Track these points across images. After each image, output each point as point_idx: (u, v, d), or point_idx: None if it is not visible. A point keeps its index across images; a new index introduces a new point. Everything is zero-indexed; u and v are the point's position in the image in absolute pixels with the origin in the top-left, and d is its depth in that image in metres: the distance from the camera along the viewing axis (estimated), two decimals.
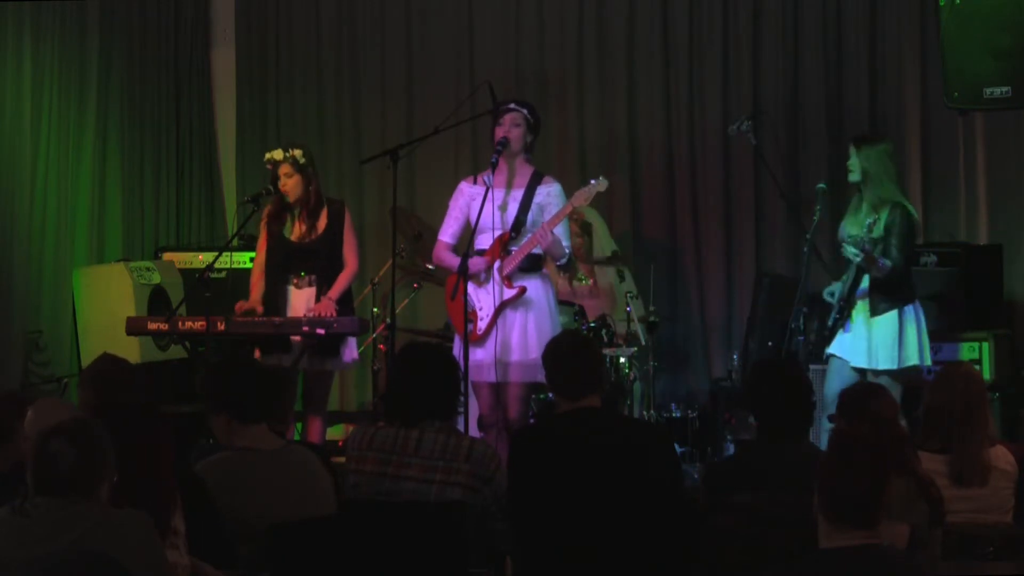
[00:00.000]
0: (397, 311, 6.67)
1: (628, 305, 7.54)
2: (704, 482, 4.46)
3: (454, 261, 5.99)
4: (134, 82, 8.61)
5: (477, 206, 5.92)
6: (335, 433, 7.91)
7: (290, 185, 6.41)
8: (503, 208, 5.99)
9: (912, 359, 6.04)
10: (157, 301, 7.71)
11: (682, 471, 5.28)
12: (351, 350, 6.49)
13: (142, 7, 8.68)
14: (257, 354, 6.42)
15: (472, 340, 5.87)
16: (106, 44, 8.41)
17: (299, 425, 6.63)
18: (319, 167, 6.75)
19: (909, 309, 6.09)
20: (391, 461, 4.21)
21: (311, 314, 6.30)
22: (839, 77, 8.60)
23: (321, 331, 6.16)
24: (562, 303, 7.05)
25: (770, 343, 7.61)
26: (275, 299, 6.45)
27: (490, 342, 5.91)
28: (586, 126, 8.82)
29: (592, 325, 7.31)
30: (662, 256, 8.51)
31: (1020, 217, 8.16)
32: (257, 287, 6.50)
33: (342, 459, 4.49)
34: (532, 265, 6.03)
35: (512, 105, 6.08)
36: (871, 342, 6.06)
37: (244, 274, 7.45)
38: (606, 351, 7.09)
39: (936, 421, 4.51)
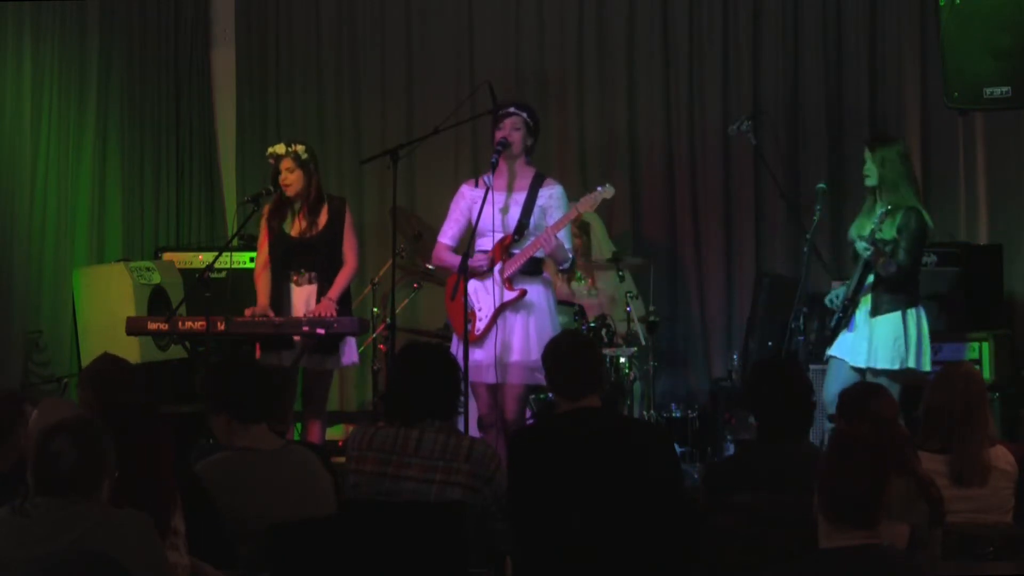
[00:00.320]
0: (397, 311, 6.67)
1: (628, 305, 7.54)
2: (704, 482, 4.46)
3: (454, 260, 5.99)
4: (134, 82, 8.61)
5: (478, 209, 5.92)
6: (335, 433, 7.91)
7: (291, 180, 6.41)
8: (504, 211, 5.99)
9: (912, 362, 6.04)
10: (157, 301, 7.71)
11: (682, 471, 5.28)
12: (351, 352, 6.49)
13: (142, 7, 8.69)
14: (257, 351, 6.42)
15: (471, 340, 5.87)
16: (106, 44, 8.41)
17: (299, 425, 6.63)
18: (319, 167, 6.75)
19: (912, 312, 6.09)
20: (391, 461, 4.21)
21: (311, 314, 6.30)
22: (839, 77, 8.60)
23: (321, 331, 6.16)
24: (562, 303, 7.06)
25: (770, 343, 7.61)
26: (278, 296, 6.45)
27: (489, 343, 5.91)
28: (586, 126, 8.82)
29: (592, 325, 7.31)
30: (662, 256, 8.51)
31: (1020, 217, 8.17)
32: (261, 285, 6.49)
33: (342, 459, 4.49)
34: (533, 269, 6.03)
35: (512, 109, 6.07)
36: (872, 341, 6.06)
37: (244, 274, 7.45)
38: (606, 351, 7.09)
39: (936, 421, 4.51)
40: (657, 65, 8.74)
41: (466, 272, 5.82)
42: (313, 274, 6.44)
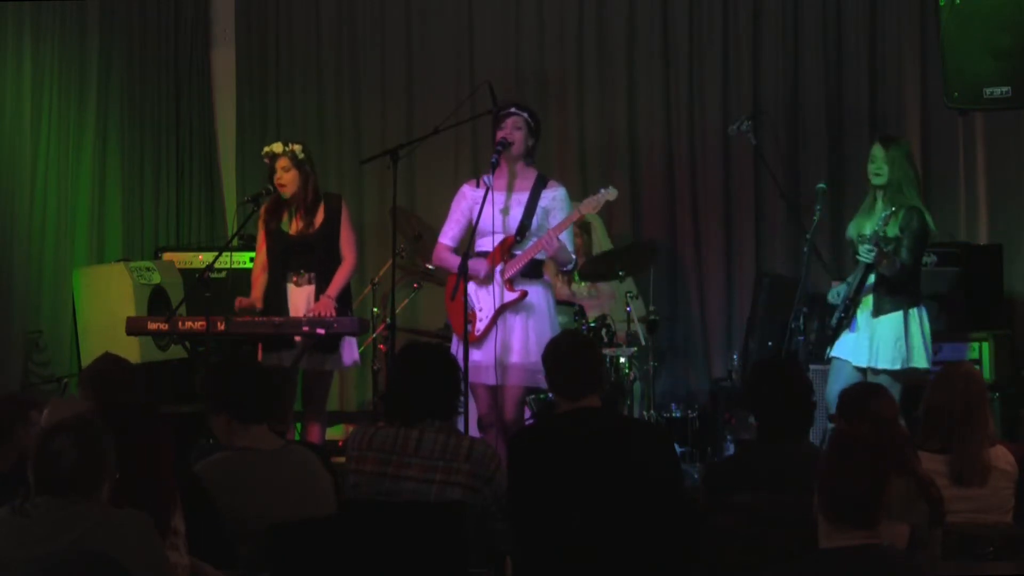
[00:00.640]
0: (397, 311, 6.67)
1: (628, 305, 7.54)
2: (704, 482, 4.46)
3: (454, 261, 5.98)
4: (134, 82, 8.61)
5: (479, 209, 5.91)
6: (335, 433, 7.91)
7: (287, 179, 6.41)
8: (505, 211, 5.99)
9: (913, 362, 6.04)
10: (157, 301, 7.71)
11: (682, 471, 5.28)
12: (351, 352, 6.48)
13: (142, 7, 8.69)
14: (259, 352, 6.42)
15: (471, 341, 5.87)
16: (106, 44, 8.41)
17: (299, 425, 6.63)
18: (319, 167, 6.75)
19: (914, 312, 6.09)
20: (391, 461, 4.21)
21: (311, 314, 6.30)
22: (839, 77, 8.60)
23: (321, 331, 6.16)
24: (562, 303, 7.05)
25: (770, 343, 7.61)
26: (276, 295, 6.45)
27: (489, 344, 5.91)
28: (586, 126, 8.82)
29: (592, 325, 7.31)
30: (662, 256, 8.50)
31: (1020, 217, 8.17)
32: (258, 283, 6.50)
33: (342, 459, 4.49)
34: (533, 270, 6.03)
35: (513, 109, 6.07)
36: (873, 341, 6.06)
37: (244, 274, 7.45)
38: (606, 351, 7.09)
39: (936, 421, 4.51)
40: (657, 65, 8.74)
41: (466, 273, 5.82)
42: (312, 274, 6.44)
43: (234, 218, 7.97)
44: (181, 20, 8.86)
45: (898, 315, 6.05)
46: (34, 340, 7.75)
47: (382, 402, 5.56)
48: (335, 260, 6.46)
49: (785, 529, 3.49)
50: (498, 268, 5.96)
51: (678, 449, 7.21)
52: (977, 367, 6.70)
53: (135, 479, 3.40)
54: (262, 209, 6.52)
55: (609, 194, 5.98)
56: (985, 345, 7.13)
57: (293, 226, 6.47)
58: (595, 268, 7.59)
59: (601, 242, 8.10)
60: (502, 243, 5.98)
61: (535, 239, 5.97)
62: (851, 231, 6.25)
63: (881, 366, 6.03)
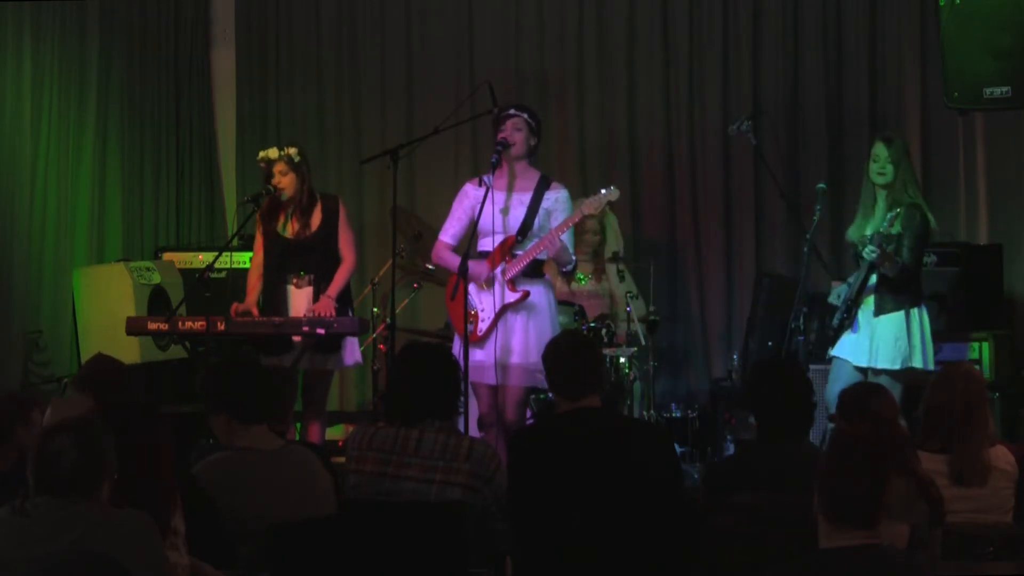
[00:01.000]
0: (397, 311, 6.66)
1: (628, 305, 7.54)
2: (704, 482, 4.46)
3: (454, 261, 5.98)
4: (134, 82, 8.61)
5: (480, 208, 5.91)
6: (335, 433, 7.91)
7: (285, 183, 6.41)
8: (505, 211, 5.99)
9: (914, 362, 6.04)
10: (157, 301, 7.71)
11: (682, 471, 5.27)
12: (353, 351, 6.48)
13: (142, 7, 8.69)
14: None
15: (472, 341, 5.87)
16: (106, 44, 8.41)
17: (299, 425, 6.62)
18: (319, 167, 6.77)
19: (915, 312, 6.09)
20: (391, 461, 4.21)
21: (311, 314, 6.30)
22: (839, 77, 8.61)
23: (321, 331, 6.16)
24: (562, 303, 7.05)
25: (770, 343, 7.61)
26: (274, 298, 6.44)
27: (490, 344, 5.91)
28: (586, 126, 8.82)
29: (592, 325, 7.31)
30: (662, 256, 8.51)
31: (1020, 217, 8.17)
32: (254, 288, 6.50)
33: (342, 459, 4.49)
34: (535, 270, 6.03)
35: (512, 111, 6.07)
36: (873, 341, 6.06)
37: (244, 274, 7.42)
38: (606, 351, 7.09)
39: (936, 421, 4.51)
40: (657, 65, 8.74)
41: (466, 274, 5.82)
42: (311, 276, 6.44)
43: (234, 218, 7.97)
44: (181, 20, 8.86)
45: (899, 315, 6.05)
46: (34, 340, 7.75)
47: (382, 402, 5.56)
48: (334, 261, 6.45)
49: (785, 529, 3.49)
50: (499, 268, 5.96)
51: (678, 449, 7.21)
52: (977, 367, 6.70)
53: (135, 479, 3.40)
54: (259, 211, 6.52)
55: (611, 194, 5.99)
56: (985, 345, 7.13)
57: (290, 229, 6.47)
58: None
59: (609, 242, 8.06)
60: (503, 243, 5.98)
61: (536, 239, 5.97)
62: (852, 234, 6.24)
63: (881, 366, 6.03)
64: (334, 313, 6.28)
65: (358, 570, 3.90)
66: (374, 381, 7.70)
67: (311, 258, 6.44)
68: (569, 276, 7.47)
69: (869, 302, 6.11)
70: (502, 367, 5.88)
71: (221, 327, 6.19)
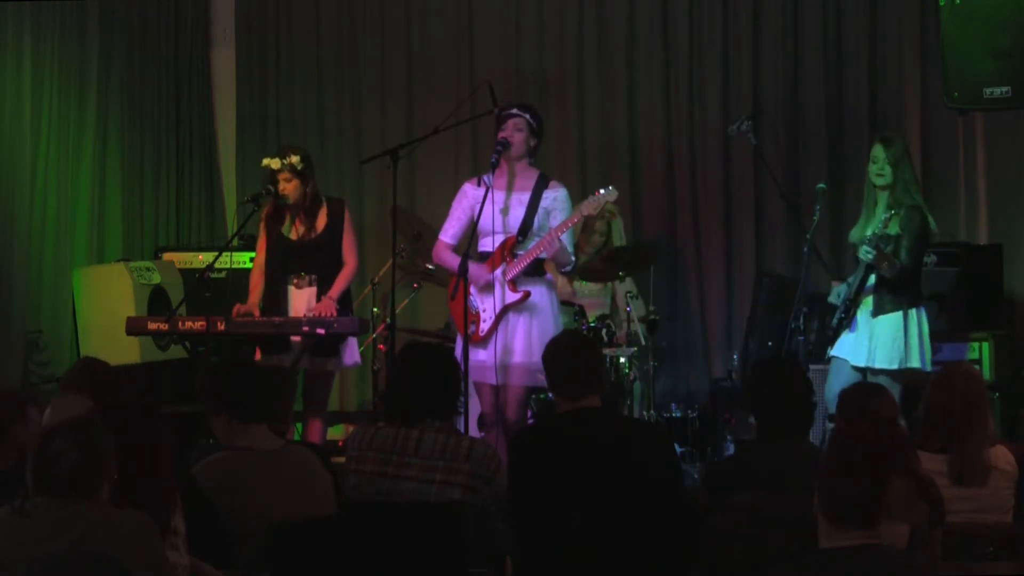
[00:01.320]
0: (397, 311, 6.66)
1: (628, 305, 7.54)
2: (704, 482, 4.46)
3: (454, 262, 5.98)
4: (134, 82, 8.61)
5: (480, 208, 5.91)
6: (335, 433, 7.91)
7: (289, 189, 6.42)
8: (505, 211, 5.98)
9: (911, 362, 6.04)
10: (157, 301, 7.71)
11: (682, 471, 5.28)
12: (352, 352, 6.49)
13: (142, 7, 8.69)
14: (257, 354, 6.41)
15: (474, 341, 5.87)
16: (106, 44, 8.41)
17: (299, 425, 6.63)
18: (319, 167, 6.76)
19: (913, 312, 6.09)
20: (391, 461, 4.21)
21: (311, 314, 6.30)
22: (839, 77, 8.61)
23: (321, 331, 6.16)
24: (562, 303, 7.04)
25: (770, 343, 7.61)
26: (275, 299, 6.45)
27: (492, 344, 5.90)
28: (586, 126, 8.82)
29: (592, 325, 7.31)
30: (662, 256, 8.50)
31: (1020, 217, 8.17)
32: (256, 288, 6.50)
33: (342, 459, 4.49)
34: (536, 270, 6.03)
35: (515, 110, 6.07)
36: (872, 341, 6.06)
37: (244, 274, 7.44)
38: (606, 351, 7.09)
39: (936, 421, 4.51)
40: (657, 65, 8.74)
41: (466, 274, 5.81)
42: (313, 276, 6.45)
43: (234, 218, 7.97)
44: (181, 20, 8.86)
45: (897, 315, 6.05)
46: (34, 340, 7.75)
47: (382, 402, 5.56)
48: (337, 264, 6.46)
49: (785, 529, 3.49)
50: (500, 269, 5.96)
51: (678, 449, 7.21)
52: (977, 367, 6.70)
53: (135, 479, 3.40)
54: (264, 213, 6.53)
55: (609, 195, 5.97)
56: (985, 345, 7.13)
57: (295, 231, 6.47)
58: (594, 267, 7.57)
59: (614, 242, 8.05)
60: (504, 243, 5.98)
61: (537, 239, 5.97)
62: (854, 235, 6.23)
63: (879, 366, 6.03)
64: (335, 313, 6.28)
65: (358, 570, 3.90)
66: (374, 381, 7.70)
67: (314, 260, 6.45)
68: (569, 277, 7.48)
69: (868, 302, 6.11)
70: (504, 367, 5.88)
71: (221, 327, 6.19)
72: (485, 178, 5.99)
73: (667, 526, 4.08)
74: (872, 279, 6.10)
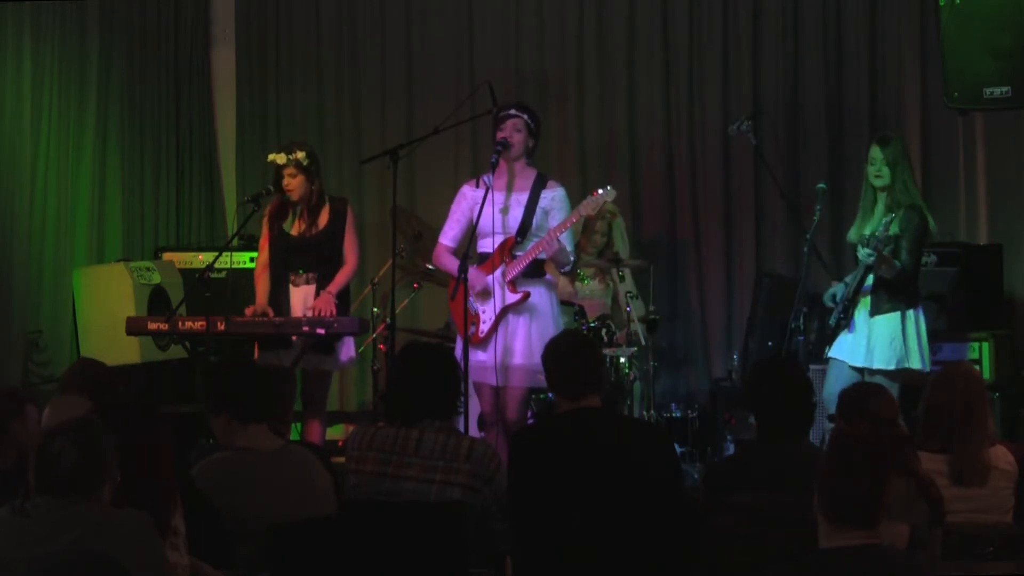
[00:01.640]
0: (397, 311, 6.66)
1: (628, 305, 7.54)
2: (704, 482, 4.46)
3: (453, 264, 5.98)
4: (134, 82, 8.61)
5: (479, 209, 5.91)
6: (335, 433, 7.91)
7: (294, 185, 6.42)
8: (504, 212, 5.98)
9: (910, 362, 6.03)
10: (157, 301, 7.71)
11: (682, 471, 5.28)
12: (348, 349, 6.48)
13: (142, 7, 8.69)
14: (256, 351, 6.41)
15: (474, 342, 5.87)
16: (106, 44, 8.41)
17: (298, 425, 6.62)
18: (320, 169, 6.75)
19: (911, 313, 6.09)
20: (391, 461, 4.21)
21: (310, 311, 6.30)
22: (839, 77, 8.61)
23: (321, 331, 6.15)
24: (563, 303, 7.05)
25: (770, 343, 7.61)
26: (277, 296, 6.45)
27: (492, 345, 5.90)
28: (586, 126, 8.82)
29: (592, 325, 7.31)
30: (662, 256, 8.51)
31: (1020, 217, 8.17)
32: (261, 285, 6.50)
33: (342, 459, 4.49)
34: (536, 270, 6.03)
35: (513, 111, 6.07)
36: (870, 341, 6.06)
37: (244, 274, 7.46)
38: (606, 351, 7.08)
39: (936, 421, 4.51)
40: (657, 65, 8.74)
41: (465, 275, 5.81)
42: (312, 274, 6.44)
43: (234, 218, 7.97)
44: (181, 20, 8.86)
45: (895, 315, 6.05)
46: (34, 340, 7.75)
47: (382, 402, 5.56)
48: (337, 262, 6.46)
49: (785, 529, 3.49)
50: (500, 270, 5.96)
51: (678, 449, 7.21)
52: (977, 367, 6.70)
53: (135, 479, 3.40)
54: (267, 209, 6.53)
55: (608, 195, 5.96)
56: (985, 345, 7.13)
57: (296, 227, 6.48)
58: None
59: (616, 244, 8.04)
60: (503, 244, 5.98)
61: (536, 239, 5.97)
62: (852, 236, 6.23)
63: (876, 366, 6.03)
64: (334, 309, 6.28)
65: (358, 570, 3.90)
66: (374, 381, 7.70)
67: (314, 256, 6.45)
68: (569, 276, 7.47)
69: (866, 303, 6.11)
70: (504, 368, 5.88)
71: (221, 327, 6.19)
72: (485, 178, 5.99)
73: (667, 526, 4.08)
74: (870, 279, 6.09)
